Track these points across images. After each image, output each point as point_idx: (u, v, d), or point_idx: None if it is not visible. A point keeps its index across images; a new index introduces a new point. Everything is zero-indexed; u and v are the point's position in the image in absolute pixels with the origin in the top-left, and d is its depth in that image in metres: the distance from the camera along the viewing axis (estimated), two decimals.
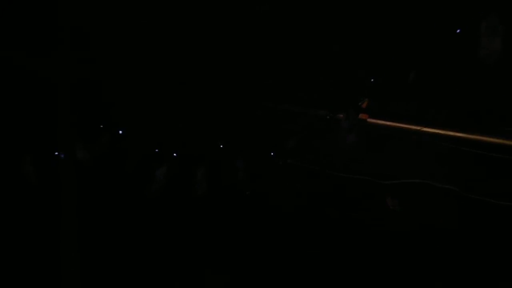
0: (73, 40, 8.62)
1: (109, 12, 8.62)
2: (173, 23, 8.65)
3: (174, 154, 9.44)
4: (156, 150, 9.45)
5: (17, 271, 9.91)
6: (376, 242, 9.60)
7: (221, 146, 9.48)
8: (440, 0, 7.86)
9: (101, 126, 9.26)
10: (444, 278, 9.54)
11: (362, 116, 8.52)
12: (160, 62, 8.79)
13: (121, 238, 10.07)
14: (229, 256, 10.20)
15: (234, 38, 8.67)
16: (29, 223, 9.87)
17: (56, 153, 9.09)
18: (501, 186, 8.65)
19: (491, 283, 9.26)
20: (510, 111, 8.36)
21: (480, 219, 9.08)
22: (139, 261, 10.13)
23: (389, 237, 9.54)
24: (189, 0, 8.47)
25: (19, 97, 9.11)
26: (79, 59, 8.72)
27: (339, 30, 8.34)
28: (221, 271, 10.17)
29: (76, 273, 8.74)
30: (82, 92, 8.96)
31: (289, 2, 8.30)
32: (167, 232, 10.13)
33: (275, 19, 8.43)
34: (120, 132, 9.32)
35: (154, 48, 8.80)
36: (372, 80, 8.42)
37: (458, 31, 7.68)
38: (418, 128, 8.61)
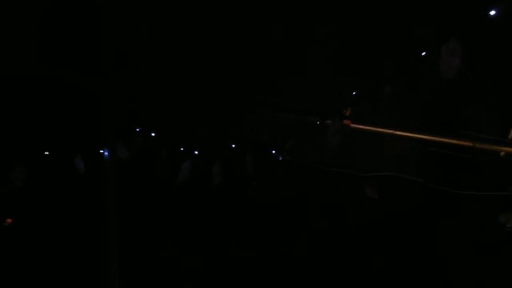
0: (116, 61, 9.19)
1: (141, 38, 9.05)
2: (196, 40, 8.85)
3: (195, 152, 9.81)
4: (181, 149, 9.80)
5: (66, 249, 11.18)
6: (356, 223, 10.40)
7: (233, 146, 9.94)
8: (407, 27, 8.26)
9: (137, 129, 9.69)
10: (411, 254, 10.42)
11: (346, 122, 8.84)
12: (185, 80, 9.14)
13: (153, 218, 10.99)
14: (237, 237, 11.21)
15: (243, 54, 8.94)
16: (78, 205, 10.81)
17: (101, 151, 9.75)
18: (459, 179, 9.19)
19: (450, 259, 10.22)
20: (468, 118, 8.97)
21: (442, 205, 9.93)
22: (168, 236, 11.12)
23: (367, 220, 10.39)
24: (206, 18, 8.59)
25: (73, 108, 9.66)
26: (120, 77, 9.20)
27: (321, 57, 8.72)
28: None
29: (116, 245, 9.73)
30: (122, 103, 9.68)
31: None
32: (189, 215, 10.99)
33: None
34: (153, 134, 9.70)
35: (178, 65, 9.12)
36: (354, 93, 8.88)
37: (423, 53, 8.12)
38: (392, 131, 8.93)
